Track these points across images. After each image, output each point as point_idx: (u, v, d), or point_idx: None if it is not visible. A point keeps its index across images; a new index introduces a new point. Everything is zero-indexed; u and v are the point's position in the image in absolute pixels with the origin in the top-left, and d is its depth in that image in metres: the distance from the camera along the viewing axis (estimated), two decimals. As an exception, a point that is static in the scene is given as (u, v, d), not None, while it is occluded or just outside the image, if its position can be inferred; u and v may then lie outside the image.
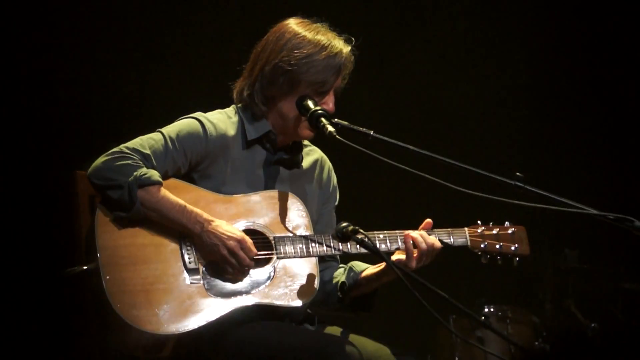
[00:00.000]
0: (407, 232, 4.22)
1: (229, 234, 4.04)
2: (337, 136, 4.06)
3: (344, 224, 4.02)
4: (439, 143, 6.51)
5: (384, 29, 7.05)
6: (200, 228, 4.03)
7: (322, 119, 4.10)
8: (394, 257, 4.25)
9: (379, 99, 7.17)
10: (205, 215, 4.05)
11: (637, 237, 3.70)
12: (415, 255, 4.19)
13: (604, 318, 6.80)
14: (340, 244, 4.15)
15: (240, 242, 4.04)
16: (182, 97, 6.17)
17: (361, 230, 4.02)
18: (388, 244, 4.24)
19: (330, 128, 4.07)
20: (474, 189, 3.87)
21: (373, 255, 4.12)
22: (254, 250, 4.07)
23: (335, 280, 4.38)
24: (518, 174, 3.83)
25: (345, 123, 4.14)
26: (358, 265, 4.37)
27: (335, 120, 4.13)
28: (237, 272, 4.05)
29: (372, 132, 4.07)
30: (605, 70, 7.45)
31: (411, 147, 3.99)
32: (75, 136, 5.85)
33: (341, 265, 4.44)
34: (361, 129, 4.10)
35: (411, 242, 4.20)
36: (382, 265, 4.26)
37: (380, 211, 6.98)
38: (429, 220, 4.28)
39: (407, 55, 7.21)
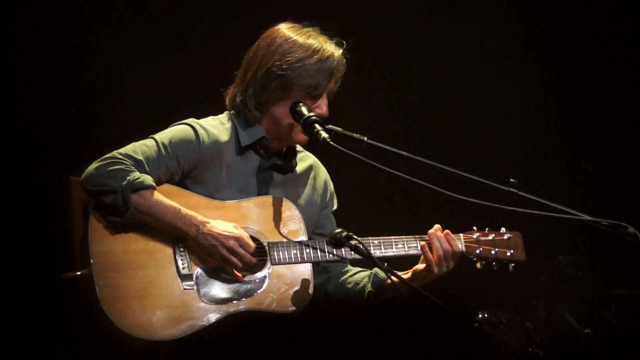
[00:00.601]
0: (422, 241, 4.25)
1: (226, 233, 4.04)
2: (331, 142, 4.08)
3: (338, 230, 4.05)
4: (433, 149, 6.51)
5: (377, 34, 7.04)
6: (196, 230, 4.03)
7: (316, 125, 4.12)
8: (416, 267, 4.27)
9: (372, 105, 7.16)
10: (200, 217, 4.06)
11: (630, 243, 3.70)
12: (435, 260, 4.21)
13: (598, 324, 6.80)
14: (334, 249, 4.16)
15: (238, 239, 4.05)
16: (176, 103, 6.16)
17: (355, 236, 4.04)
18: (382, 249, 4.25)
19: (324, 134, 4.09)
20: (468, 195, 3.87)
21: (367, 261, 4.13)
22: (253, 244, 4.08)
23: (359, 287, 4.39)
24: (512, 180, 3.83)
25: (339, 129, 4.16)
26: (381, 273, 4.37)
27: (329, 126, 4.15)
28: (238, 270, 4.05)
29: (365, 138, 4.09)
30: (599, 75, 7.44)
31: (405, 153, 4.00)
32: (69, 142, 5.84)
33: (361, 269, 4.45)
34: (355, 135, 4.12)
35: (427, 248, 4.22)
36: (408, 273, 4.27)
37: (375, 217, 6.97)
38: (437, 226, 4.30)
39: (401, 60, 7.20)
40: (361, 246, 4.04)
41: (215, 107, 4.41)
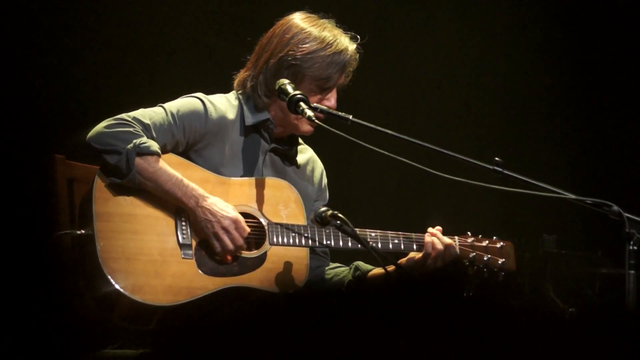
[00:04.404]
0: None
1: (223, 212, 4.07)
2: (316, 120, 4.11)
3: (323, 209, 4.07)
4: (418, 130, 6.52)
5: (362, 14, 7.03)
6: (195, 203, 4.05)
7: (301, 104, 4.13)
8: (412, 255, 4.34)
9: (358, 84, 7.16)
10: (201, 191, 4.08)
11: (614, 221, 3.72)
12: (432, 255, 4.27)
13: (582, 303, 6.83)
14: (332, 237, 4.20)
15: (235, 221, 4.07)
16: (162, 80, 6.15)
17: (340, 215, 4.05)
18: (379, 244, 4.28)
19: (309, 112, 4.10)
20: (453, 174, 3.88)
21: (353, 239, 4.15)
22: (248, 230, 4.11)
23: (338, 278, 4.43)
24: (497, 159, 3.84)
25: (324, 107, 4.19)
26: (363, 265, 4.43)
27: (314, 104, 4.17)
28: (227, 251, 4.07)
29: (351, 117, 4.11)
30: (580, 54, 7.46)
31: (391, 132, 4.01)
32: (53, 120, 5.83)
33: (340, 265, 4.48)
34: (340, 113, 4.15)
35: (430, 242, 4.27)
36: (389, 268, 4.31)
37: (371, 213, 6.97)
38: (439, 227, 4.35)
39: (386, 40, 7.20)
40: (346, 226, 4.05)
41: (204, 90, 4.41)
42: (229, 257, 4.09)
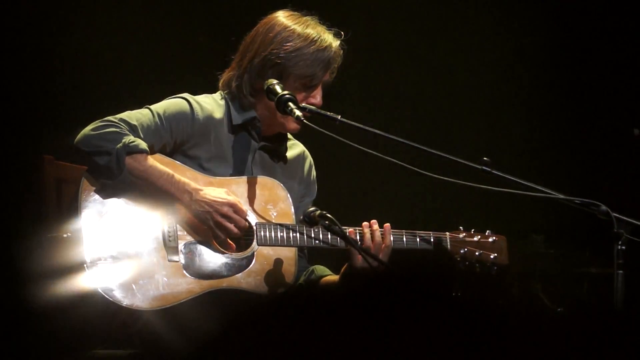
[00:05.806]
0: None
1: (220, 199, 4.06)
2: (304, 120, 4.10)
3: (312, 209, 4.06)
4: (407, 129, 6.53)
5: (347, 11, 7.03)
6: (189, 197, 4.05)
7: (290, 104, 4.12)
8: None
9: (347, 85, 7.16)
10: (193, 185, 4.07)
11: (602, 221, 3.73)
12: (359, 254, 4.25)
13: (570, 302, 6.85)
14: (321, 236, 4.18)
15: (232, 205, 4.07)
16: (153, 81, 6.14)
17: (329, 215, 4.04)
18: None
19: (297, 112, 4.10)
20: (441, 174, 3.89)
21: (342, 239, 4.14)
22: (245, 210, 4.11)
23: None
24: (485, 158, 3.85)
25: (313, 107, 4.18)
26: (321, 269, 4.41)
27: (303, 104, 4.16)
28: (232, 235, 4.06)
29: (339, 117, 4.10)
30: (569, 53, 7.48)
31: (379, 132, 4.01)
32: (42, 121, 5.82)
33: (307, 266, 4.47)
34: (329, 113, 4.15)
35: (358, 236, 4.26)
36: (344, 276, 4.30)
37: (360, 212, 6.97)
38: (373, 221, 4.32)
39: (373, 40, 7.21)
40: (334, 226, 4.05)
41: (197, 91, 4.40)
42: (233, 246, 4.09)
